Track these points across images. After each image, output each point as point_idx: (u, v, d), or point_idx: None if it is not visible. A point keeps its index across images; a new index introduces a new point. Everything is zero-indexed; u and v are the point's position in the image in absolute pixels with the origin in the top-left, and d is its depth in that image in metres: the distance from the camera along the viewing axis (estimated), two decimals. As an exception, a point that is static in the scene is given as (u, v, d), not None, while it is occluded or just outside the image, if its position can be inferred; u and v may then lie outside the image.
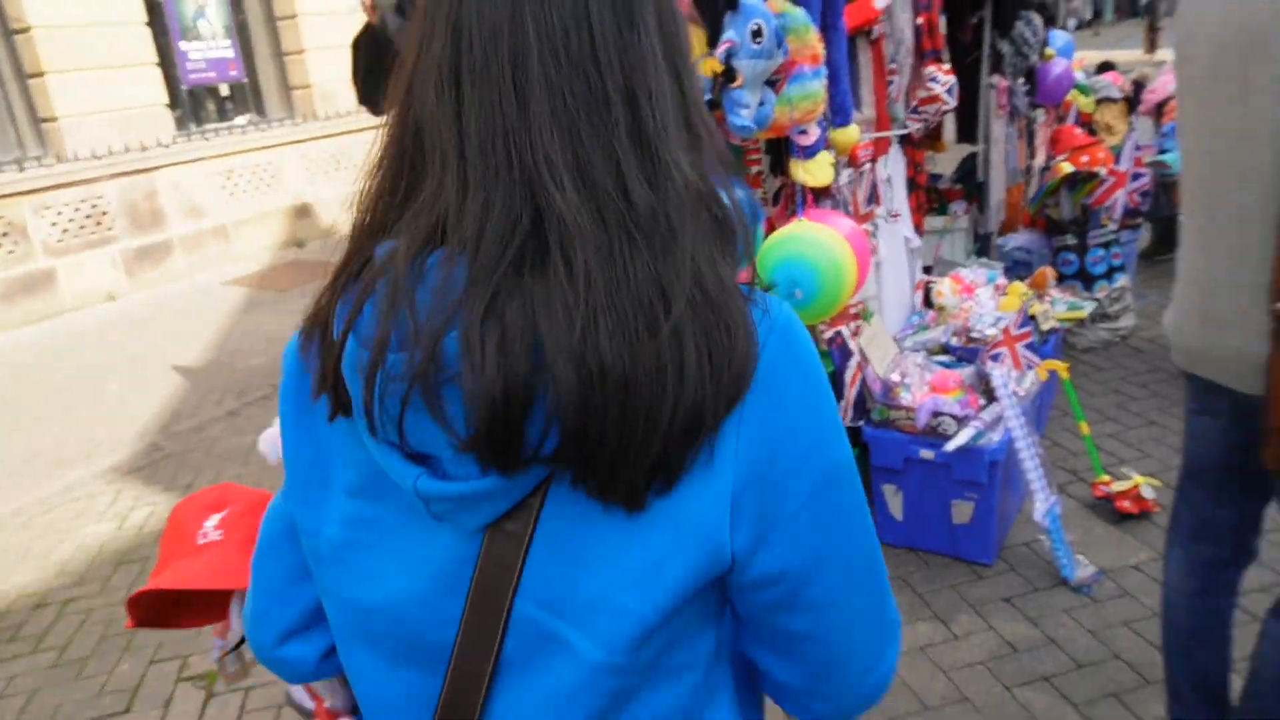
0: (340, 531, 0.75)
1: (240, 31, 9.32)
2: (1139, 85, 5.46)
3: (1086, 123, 5.32)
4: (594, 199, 0.62)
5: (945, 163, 4.72)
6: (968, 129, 4.46)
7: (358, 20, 3.35)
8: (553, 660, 0.69)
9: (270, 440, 1.61)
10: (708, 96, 2.15)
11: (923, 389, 2.91)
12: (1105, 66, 5.82)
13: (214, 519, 1.37)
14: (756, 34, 2.05)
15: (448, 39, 0.65)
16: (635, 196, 0.63)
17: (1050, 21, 4.52)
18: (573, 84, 0.63)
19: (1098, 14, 30.98)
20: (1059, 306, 3.67)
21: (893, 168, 3.34)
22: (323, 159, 9.58)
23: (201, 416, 5.08)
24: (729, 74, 2.08)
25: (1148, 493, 3.08)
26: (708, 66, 2.09)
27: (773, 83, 2.30)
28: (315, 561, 0.80)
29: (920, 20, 3.20)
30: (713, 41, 2.10)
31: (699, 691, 0.74)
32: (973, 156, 4.56)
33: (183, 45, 8.62)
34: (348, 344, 0.68)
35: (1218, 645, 1.98)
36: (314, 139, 9.45)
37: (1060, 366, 3.13)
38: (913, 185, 3.63)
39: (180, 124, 8.81)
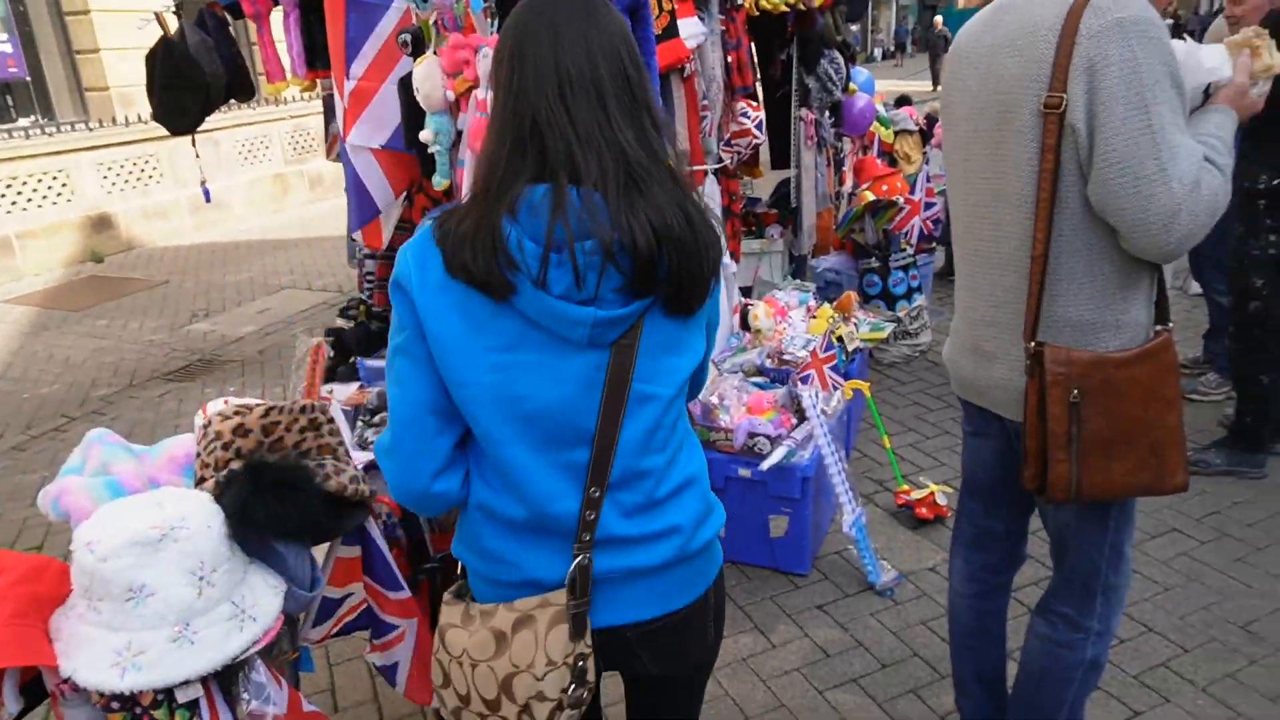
0: (495, 375, 1.18)
1: (20, 24, 8.50)
2: (931, 119, 5.94)
3: (888, 152, 5.74)
4: (649, 157, 1.17)
5: (762, 187, 4.97)
6: (782, 156, 4.72)
7: (157, 28, 3.15)
8: (645, 407, 1.24)
9: (51, 497, 1.49)
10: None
11: (740, 410, 3.05)
12: (903, 100, 6.31)
13: (-19, 589, 1.26)
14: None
15: (553, 74, 1.14)
16: (659, 156, 1.19)
17: (852, 60, 4.86)
18: (622, 98, 1.17)
19: (900, 47, 33.42)
20: (863, 328, 3.94)
21: (709, 198, 3.49)
22: (124, 167, 8.88)
23: (-23, 453, 4.59)
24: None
25: (941, 499, 3.37)
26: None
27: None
28: (474, 403, 1.20)
29: (730, 58, 3.37)
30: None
31: (681, 404, 1.34)
32: (787, 181, 4.83)
33: (-49, 37, 7.78)
34: (526, 245, 1.11)
35: (995, 641, 2.20)
36: (112, 145, 8.73)
37: (863, 386, 3.36)
38: (728, 214, 3.80)
39: (-51, 125, 7.95)
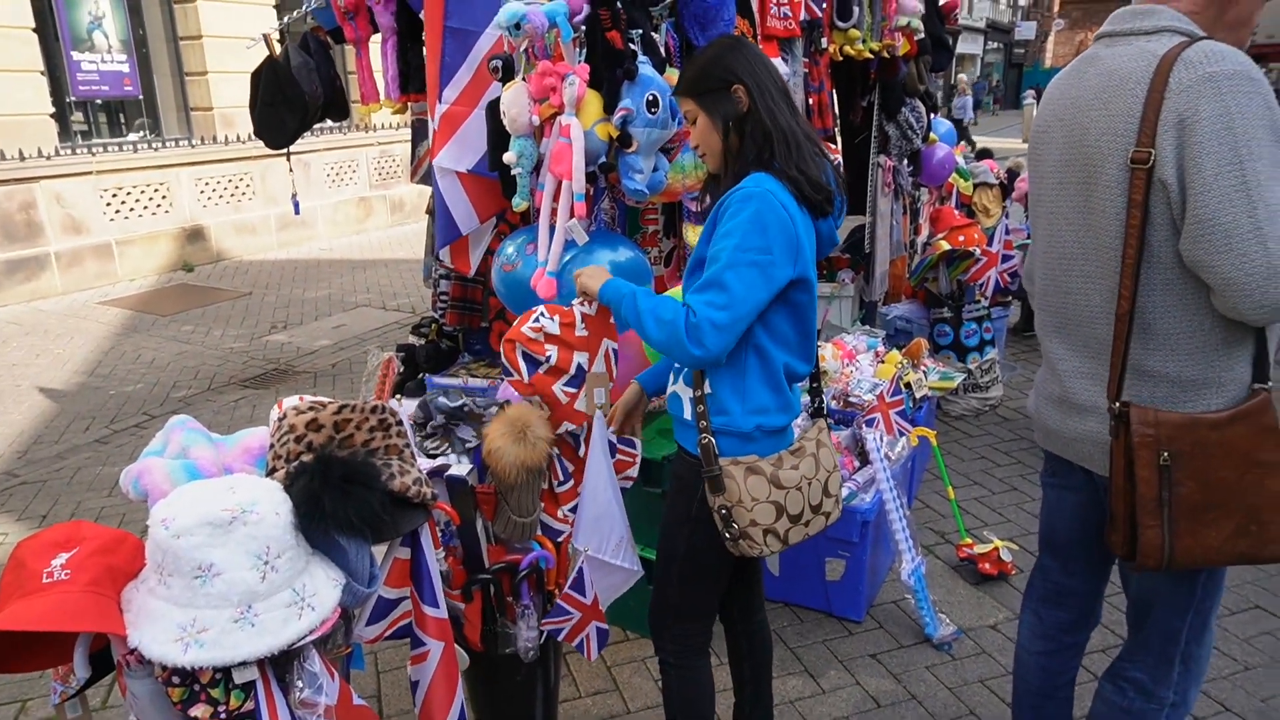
0: (814, 270, 1.79)
1: (139, 47, 9.04)
2: (1012, 174, 5.87)
3: (966, 204, 5.68)
4: (821, 142, 1.86)
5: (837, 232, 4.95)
6: (858, 201, 4.70)
7: (263, 48, 3.32)
8: None
9: (133, 475, 1.56)
10: (603, 159, 2.23)
11: (801, 449, 3.02)
12: (984, 154, 6.24)
13: (62, 558, 1.31)
14: (652, 104, 2.15)
15: (770, 89, 1.76)
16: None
17: (934, 110, 4.83)
18: (794, 105, 1.80)
19: (977, 104, 32.81)
20: (932, 376, 3.87)
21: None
22: (220, 183, 9.31)
23: (66, 443, 4.81)
24: (625, 139, 2.17)
25: (1006, 556, 3.26)
26: (603, 131, 2.17)
27: (667, 150, 2.40)
28: (807, 291, 1.77)
29: (812, 101, 3.39)
30: (610, 108, 2.19)
31: None
32: (861, 228, 4.80)
33: (74, 55, 8.30)
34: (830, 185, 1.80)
35: (1062, 703, 2.11)
36: (211, 162, 9.18)
37: (930, 434, 3.30)
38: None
39: (65, 135, 8.44)
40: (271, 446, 1.57)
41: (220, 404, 5.33)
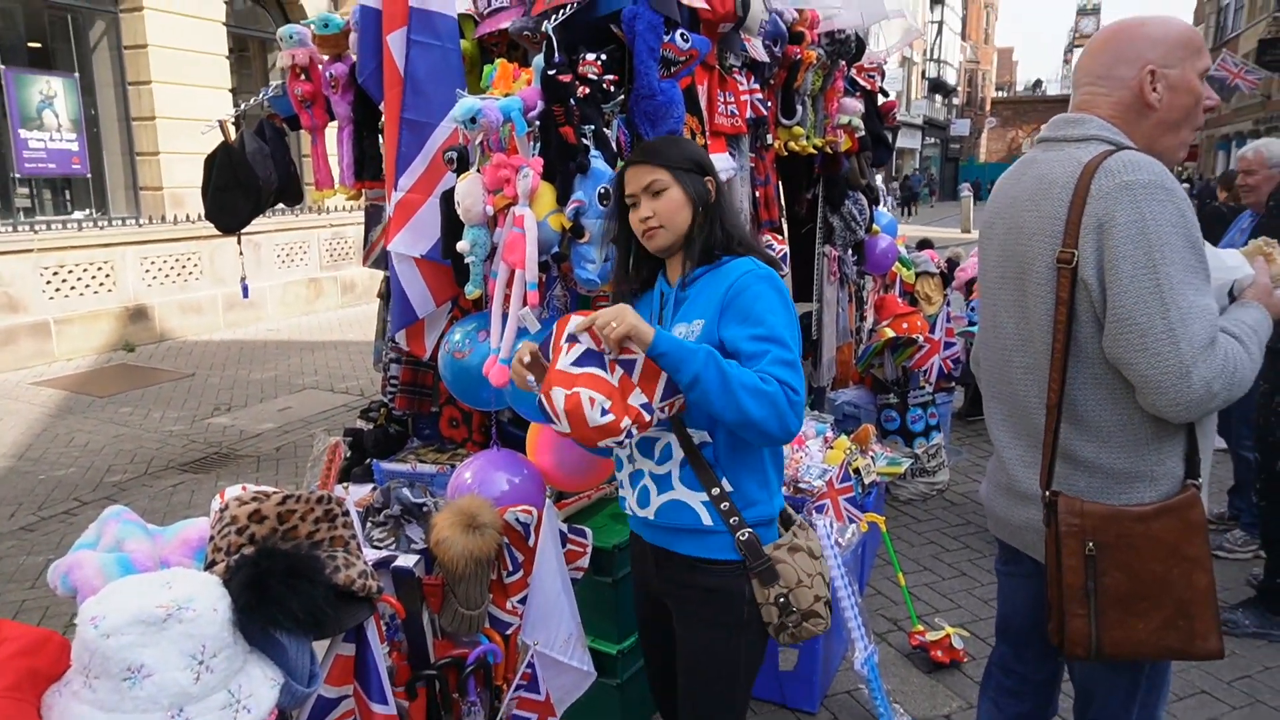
0: None
1: (90, 127, 9.02)
2: (952, 263, 6.09)
3: (909, 292, 5.86)
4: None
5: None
6: (804, 290, 4.82)
7: (217, 133, 3.33)
8: None
9: (62, 570, 1.49)
10: (555, 250, 2.26)
11: (752, 536, 3.01)
12: (924, 244, 6.48)
13: (-21, 661, 1.24)
14: (604, 196, 2.20)
15: (725, 193, 1.88)
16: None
17: (875, 202, 5.02)
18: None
19: (913, 197, 33.88)
20: (880, 461, 3.92)
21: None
22: (166, 262, 9.20)
23: (-14, 532, 4.59)
24: (577, 230, 2.21)
25: (958, 643, 3.26)
26: (556, 222, 2.21)
27: (619, 240, 2.45)
28: None
29: (758, 194, 3.51)
30: (563, 200, 2.24)
31: None
32: (809, 315, 4.91)
33: (22, 133, 8.24)
34: None
35: None
36: (158, 241, 9.08)
37: (880, 519, 3.32)
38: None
39: (7, 212, 8.31)
40: (211, 538, 1.52)
41: (157, 489, 5.16)
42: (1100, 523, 1.62)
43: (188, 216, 9.21)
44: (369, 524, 2.06)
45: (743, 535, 1.70)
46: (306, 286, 10.93)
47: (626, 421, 1.56)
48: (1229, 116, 34.15)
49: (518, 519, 2.02)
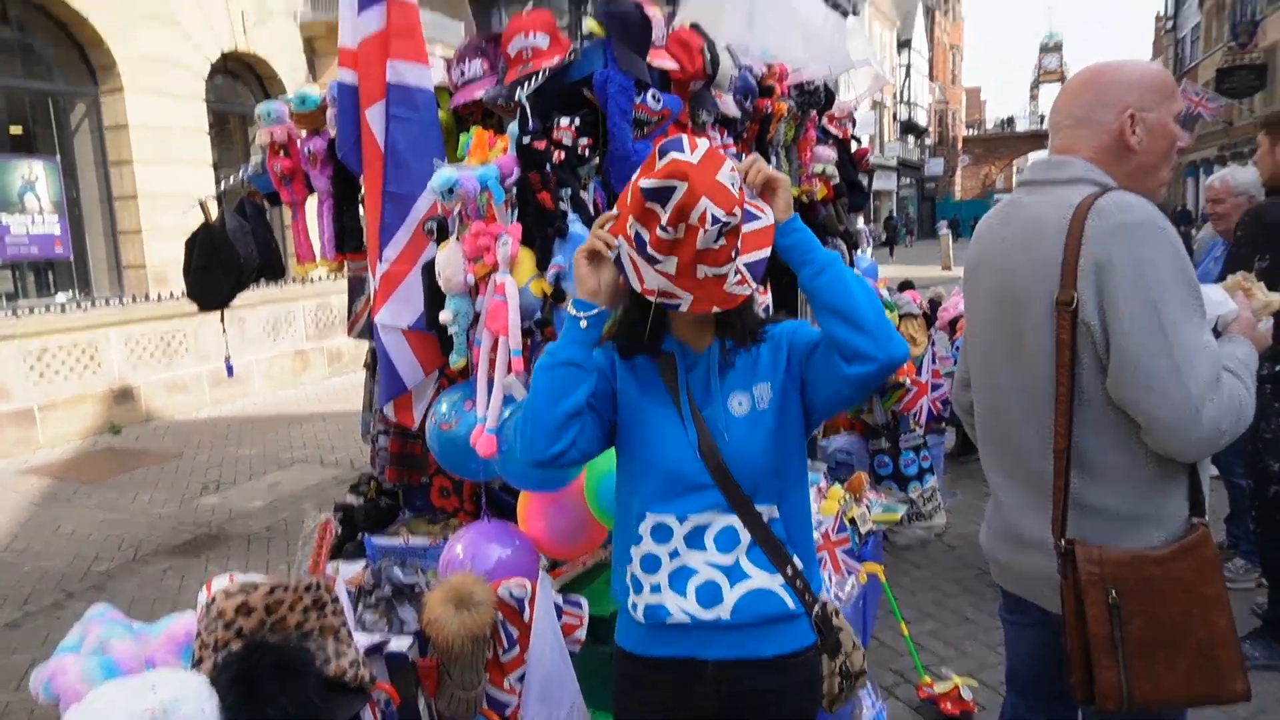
0: None
1: (72, 208, 9.05)
2: (934, 303, 6.12)
3: (894, 334, 5.86)
4: None
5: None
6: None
7: (198, 213, 3.34)
8: None
9: (44, 677, 1.45)
10: (538, 315, 2.26)
11: (753, 592, 2.97)
12: (906, 285, 6.52)
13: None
14: (586, 261, 2.21)
15: None
16: None
17: (855, 247, 5.06)
18: None
19: (893, 239, 34.20)
20: (876, 509, 3.89)
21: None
22: (151, 341, 9.16)
23: (-31, 628, 4.47)
24: (558, 295, 2.22)
25: (967, 694, 3.20)
26: (537, 287, 2.22)
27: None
28: None
29: (740, 246, 3.54)
30: (543, 265, 2.24)
31: None
32: (796, 363, 4.91)
33: (4, 218, 8.26)
34: None
35: None
36: (142, 320, 9.06)
37: (879, 569, 3.28)
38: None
39: (-11, 299, 8.29)
40: (198, 634, 1.48)
41: (145, 575, 5.06)
42: (1120, 569, 1.59)
43: (171, 294, 9.20)
44: (360, 606, 2.02)
45: (818, 609, 1.59)
46: (293, 359, 10.89)
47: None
48: (1195, 144, 34.90)
49: (511, 593, 1.98)
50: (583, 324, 1.53)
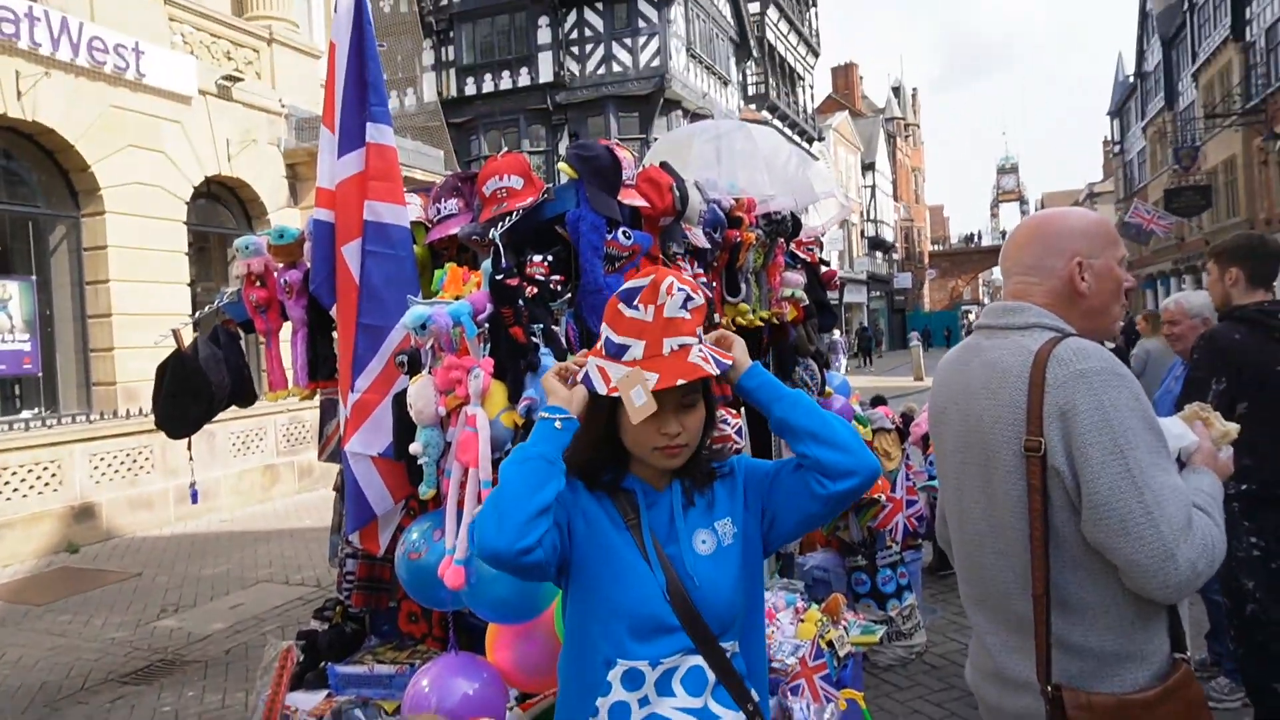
0: None
1: (44, 326, 9.03)
2: (907, 418, 6.20)
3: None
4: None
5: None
6: (763, 457, 4.86)
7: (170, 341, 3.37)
8: None
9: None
10: (508, 447, 2.28)
11: (728, 725, 2.89)
12: (878, 400, 6.61)
13: None
14: (557, 393, 2.25)
15: None
16: None
17: (826, 366, 5.16)
18: None
19: (865, 350, 34.77)
20: (854, 630, 3.84)
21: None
22: (116, 458, 9.00)
23: (-99, 771, 4.21)
24: (529, 427, 2.24)
25: (950, 828, 3.09)
26: (509, 419, 2.24)
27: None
28: None
29: (711, 370, 3.60)
30: (514, 397, 2.28)
31: None
32: (769, 481, 4.92)
33: (-26, 337, 8.22)
34: None
35: None
36: (109, 436, 8.92)
37: (858, 696, 3.21)
38: (713, 513, 3.84)
39: (-49, 417, 8.15)
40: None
41: (94, 706, 4.82)
42: (1109, 715, 1.58)
43: (140, 410, 9.10)
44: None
45: None
46: (262, 474, 10.73)
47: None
48: (1150, 258, 36.32)
49: (479, 736, 1.92)
50: (556, 424, 1.53)
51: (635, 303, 1.55)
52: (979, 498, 1.77)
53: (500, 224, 2.39)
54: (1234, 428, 1.89)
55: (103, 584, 7.30)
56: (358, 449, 2.61)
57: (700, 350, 1.55)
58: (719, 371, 1.54)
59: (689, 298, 1.55)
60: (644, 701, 1.51)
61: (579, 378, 1.59)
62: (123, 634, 6.03)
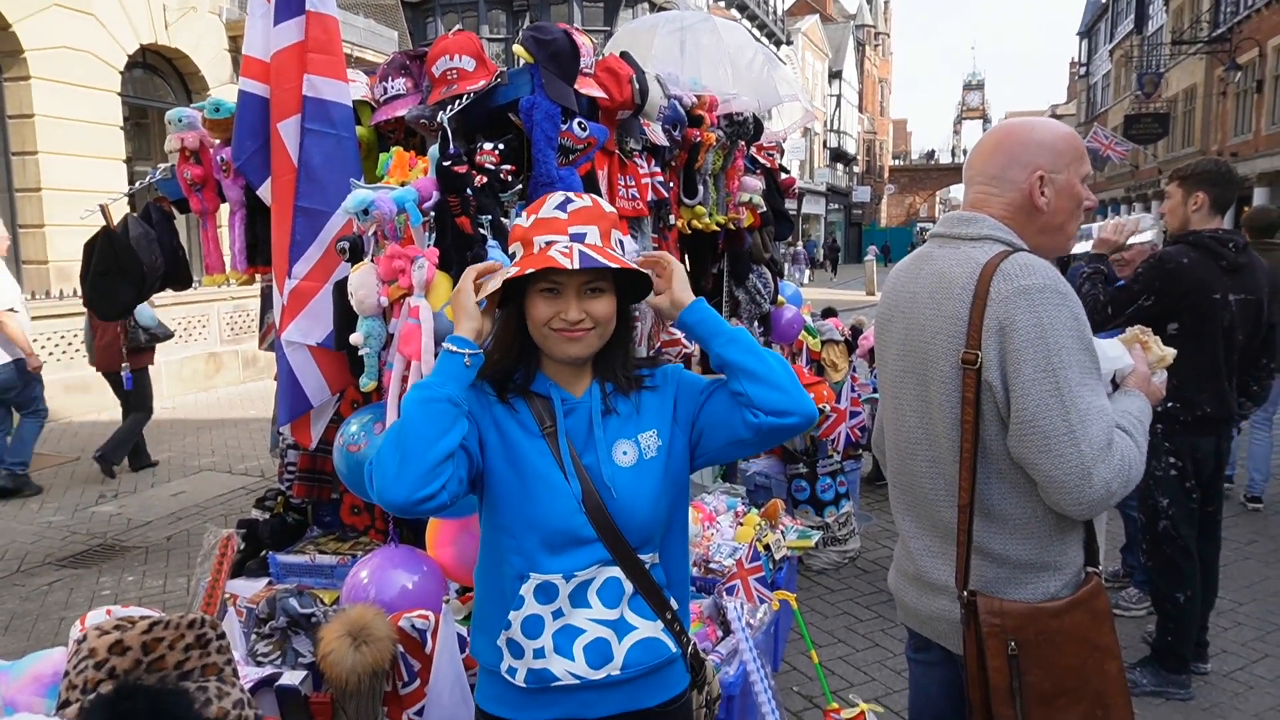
0: None
1: (-30, 199, 8.58)
2: (856, 330, 6.25)
3: (815, 360, 5.97)
4: None
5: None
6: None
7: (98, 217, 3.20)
8: None
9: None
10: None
11: (664, 621, 2.96)
12: (829, 312, 6.64)
13: None
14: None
15: None
16: None
17: (779, 275, 5.15)
18: None
19: (813, 262, 34.81)
20: (790, 535, 3.93)
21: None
22: (52, 340, 8.72)
23: None
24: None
25: (872, 719, 3.24)
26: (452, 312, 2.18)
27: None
28: None
29: (664, 273, 3.55)
30: (461, 291, 2.21)
31: None
32: (717, 387, 4.95)
33: (-107, 208, 7.77)
34: None
35: None
36: (42, 317, 8.60)
37: (790, 598, 3.31)
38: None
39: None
40: (66, 674, 1.40)
41: (30, 589, 4.79)
42: (1020, 621, 1.64)
43: (74, 290, 8.76)
44: (254, 636, 1.94)
45: (690, 648, 1.59)
46: (205, 361, 10.51)
47: None
48: (1103, 184, 36.68)
49: (413, 625, 1.93)
50: (465, 361, 1.44)
51: (523, 214, 1.54)
52: (915, 406, 1.80)
53: (450, 107, 2.27)
54: (1171, 352, 1.92)
55: (38, 467, 7.16)
56: (294, 338, 2.53)
57: (568, 245, 1.43)
58: (577, 266, 1.40)
59: (568, 200, 1.50)
60: (558, 614, 1.49)
61: (501, 278, 1.46)
62: (59, 518, 5.96)
